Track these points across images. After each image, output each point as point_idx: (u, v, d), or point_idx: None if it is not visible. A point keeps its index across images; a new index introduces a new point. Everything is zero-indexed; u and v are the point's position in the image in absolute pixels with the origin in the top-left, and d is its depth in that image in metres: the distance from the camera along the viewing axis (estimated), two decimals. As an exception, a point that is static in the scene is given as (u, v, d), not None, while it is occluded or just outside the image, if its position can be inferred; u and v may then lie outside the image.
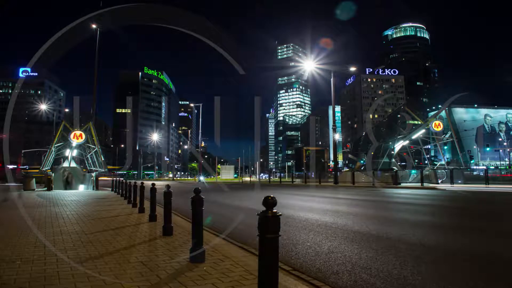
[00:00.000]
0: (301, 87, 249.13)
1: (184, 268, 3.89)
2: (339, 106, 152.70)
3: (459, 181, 26.32)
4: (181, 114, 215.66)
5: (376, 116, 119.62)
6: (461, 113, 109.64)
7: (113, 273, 3.70)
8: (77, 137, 24.56)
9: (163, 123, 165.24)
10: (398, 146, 32.23)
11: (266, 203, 2.38)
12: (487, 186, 20.52)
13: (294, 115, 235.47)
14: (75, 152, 26.84)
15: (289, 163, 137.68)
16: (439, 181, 27.83)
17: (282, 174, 74.08)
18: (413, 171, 31.12)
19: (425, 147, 34.23)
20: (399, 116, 32.96)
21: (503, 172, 40.50)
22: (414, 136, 31.39)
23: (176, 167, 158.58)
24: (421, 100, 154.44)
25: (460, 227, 7.24)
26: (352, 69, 40.16)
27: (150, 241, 5.45)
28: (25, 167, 53.56)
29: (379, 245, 5.19)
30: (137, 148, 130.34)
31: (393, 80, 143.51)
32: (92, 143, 27.06)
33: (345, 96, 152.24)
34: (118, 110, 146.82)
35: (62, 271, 3.72)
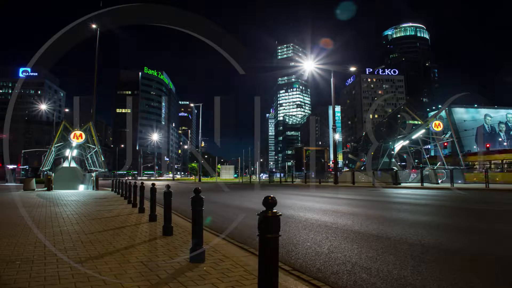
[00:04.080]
0: (301, 87, 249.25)
1: (184, 268, 3.89)
2: (339, 106, 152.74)
3: (459, 181, 26.33)
4: (181, 114, 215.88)
5: (376, 116, 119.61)
6: (461, 113, 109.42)
7: (113, 273, 3.70)
8: (77, 137, 24.53)
9: (163, 123, 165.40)
10: (398, 146, 32.22)
11: (266, 203, 2.38)
12: (487, 186, 20.51)
13: (294, 115, 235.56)
14: (75, 152, 26.83)
15: (289, 163, 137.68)
16: (439, 181, 27.83)
17: (282, 174, 73.97)
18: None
19: (425, 147, 34.20)
20: (399, 116, 32.93)
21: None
22: (414, 136, 31.37)
23: (176, 167, 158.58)
24: (421, 100, 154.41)
25: (460, 227, 7.24)
26: (352, 69, 40.18)
27: (150, 241, 5.44)
28: (25, 167, 53.65)
29: (379, 245, 5.19)
30: (137, 148, 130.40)
31: (393, 80, 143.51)
32: (92, 143, 27.04)
33: (345, 96, 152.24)
34: (118, 110, 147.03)
35: (62, 271, 3.72)
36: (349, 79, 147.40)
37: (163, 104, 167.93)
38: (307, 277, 3.74)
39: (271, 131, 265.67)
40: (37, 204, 11.88)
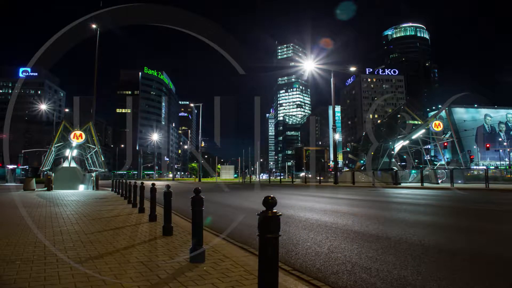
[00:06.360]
0: (301, 87, 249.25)
1: (184, 268, 3.89)
2: (339, 106, 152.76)
3: (459, 181, 26.31)
4: (181, 114, 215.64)
5: (376, 116, 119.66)
6: (461, 113, 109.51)
7: (113, 273, 3.70)
8: (77, 137, 24.53)
9: (163, 123, 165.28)
10: (398, 146, 32.22)
11: (266, 203, 2.37)
12: (487, 186, 20.50)
13: (294, 115, 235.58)
14: (75, 152, 26.82)
15: (289, 163, 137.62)
16: (439, 181, 27.81)
17: (282, 175, 73.95)
18: (413, 171, 31.10)
19: (425, 147, 34.20)
20: (399, 116, 32.93)
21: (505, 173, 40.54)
22: (414, 136, 31.38)
23: (176, 167, 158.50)
24: (421, 100, 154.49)
25: (460, 227, 7.24)
26: (352, 69, 40.14)
27: (150, 241, 5.44)
28: (25, 167, 53.67)
29: (379, 245, 5.19)
30: (137, 148, 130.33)
31: (393, 80, 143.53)
32: (92, 143, 27.03)
33: (345, 96, 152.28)
34: (118, 110, 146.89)
35: (62, 271, 3.72)
36: (349, 79, 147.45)
37: (163, 104, 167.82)
38: (307, 277, 3.74)
39: (271, 131, 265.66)
40: (37, 204, 11.87)
